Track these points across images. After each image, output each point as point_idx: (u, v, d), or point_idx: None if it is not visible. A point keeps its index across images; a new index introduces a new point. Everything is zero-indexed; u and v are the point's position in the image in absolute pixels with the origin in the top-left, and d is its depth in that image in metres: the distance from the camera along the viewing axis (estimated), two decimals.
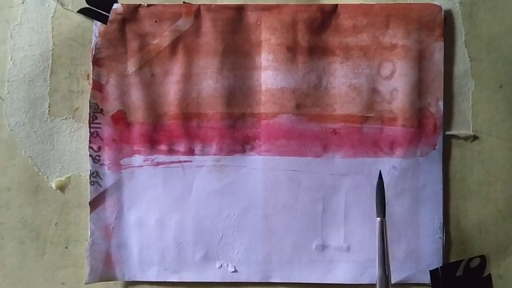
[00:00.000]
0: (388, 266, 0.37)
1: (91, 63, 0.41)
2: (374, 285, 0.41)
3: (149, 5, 0.41)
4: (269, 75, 0.41)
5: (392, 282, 0.41)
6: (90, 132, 0.41)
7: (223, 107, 0.42)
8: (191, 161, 0.42)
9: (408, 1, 0.42)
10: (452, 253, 0.42)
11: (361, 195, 0.42)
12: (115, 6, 0.41)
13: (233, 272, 0.42)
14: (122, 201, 0.42)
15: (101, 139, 0.42)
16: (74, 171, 0.42)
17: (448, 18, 0.42)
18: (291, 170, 0.42)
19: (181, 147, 0.42)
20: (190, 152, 0.42)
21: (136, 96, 0.42)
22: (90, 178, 0.41)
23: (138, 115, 0.42)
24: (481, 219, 0.42)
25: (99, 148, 0.41)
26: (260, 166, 0.42)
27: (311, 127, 0.42)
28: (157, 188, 0.42)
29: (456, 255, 0.42)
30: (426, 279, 0.41)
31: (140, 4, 0.41)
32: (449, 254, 0.42)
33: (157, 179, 0.42)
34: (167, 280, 0.42)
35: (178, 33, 0.41)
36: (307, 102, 0.42)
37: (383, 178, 0.38)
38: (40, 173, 0.42)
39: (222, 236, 0.42)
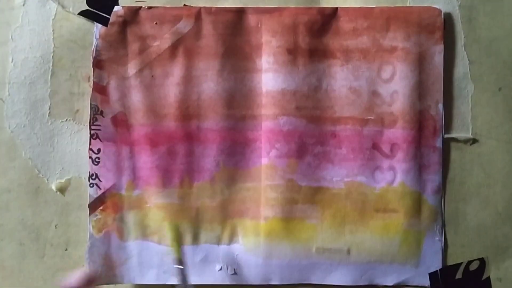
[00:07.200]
0: None
1: (91, 65, 0.41)
2: (373, 286, 0.42)
3: (149, 8, 0.42)
4: (270, 78, 0.42)
5: (391, 284, 0.42)
6: (90, 134, 0.41)
7: (223, 110, 0.42)
8: (192, 163, 0.42)
9: (408, 4, 0.42)
10: (452, 255, 0.42)
11: (360, 197, 0.42)
12: (116, 8, 0.41)
13: (232, 274, 0.42)
14: (122, 203, 0.42)
15: (101, 141, 0.42)
16: (74, 173, 0.42)
17: (447, 21, 0.42)
18: (291, 172, 0.42)
19: (181, 149, 0.42)
20: (190, 154, 0.42)
21: (136, 98, 0.42)
22: (89, 180, 0.41)
23: (138, 117, 0.42)
24: (480, 222, 0.42)
25: (99, 150, 0.41)
26: (260, 169, 0.42)
27: (311, 129, 0.42)
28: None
29: (456, 257, 0.42)
30: (426, 281, 0.42)
31: (141, 7, 0.42)
32: (448, 256, 0.42)
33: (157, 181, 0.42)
34: (167, 283, 0.42)
35: (179, 36, 0.42)
36: (307, 104, 0.42)
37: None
38: (40, 175, 0.42)
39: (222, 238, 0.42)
